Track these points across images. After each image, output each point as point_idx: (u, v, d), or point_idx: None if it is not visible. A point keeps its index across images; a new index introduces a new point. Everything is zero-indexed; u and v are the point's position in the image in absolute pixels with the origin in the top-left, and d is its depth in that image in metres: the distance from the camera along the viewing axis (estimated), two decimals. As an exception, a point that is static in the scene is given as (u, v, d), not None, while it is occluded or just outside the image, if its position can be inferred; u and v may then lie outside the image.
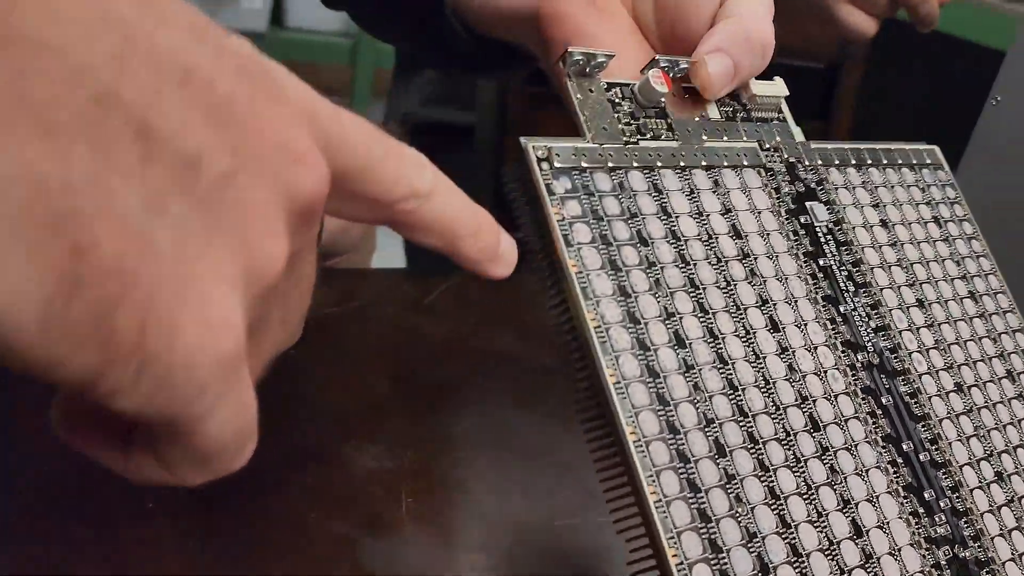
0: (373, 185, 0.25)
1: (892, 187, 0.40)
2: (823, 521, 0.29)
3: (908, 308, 0.37)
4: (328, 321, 0.51)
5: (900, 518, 0.31)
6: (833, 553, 0.29)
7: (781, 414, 0.30)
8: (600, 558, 0.39)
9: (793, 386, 0.31)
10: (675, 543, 0.26)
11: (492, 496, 0.41)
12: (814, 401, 0.31)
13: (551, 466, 0.43)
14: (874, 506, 0.31)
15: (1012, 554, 0.33)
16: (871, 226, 0.38)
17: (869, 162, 0.40)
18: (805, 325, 0.33)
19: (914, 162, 0.42)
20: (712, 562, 0.27)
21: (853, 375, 0.33)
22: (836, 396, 0.32)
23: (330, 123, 0.23)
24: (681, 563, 0.26)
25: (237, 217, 0.20)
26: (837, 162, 0.39)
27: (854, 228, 0.37)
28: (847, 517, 0.30)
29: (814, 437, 0.31)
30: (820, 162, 0.38)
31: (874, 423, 0.33)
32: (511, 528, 0.39)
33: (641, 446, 0.27)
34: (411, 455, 0.42)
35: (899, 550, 0.30)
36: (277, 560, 0.35)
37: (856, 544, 0.30)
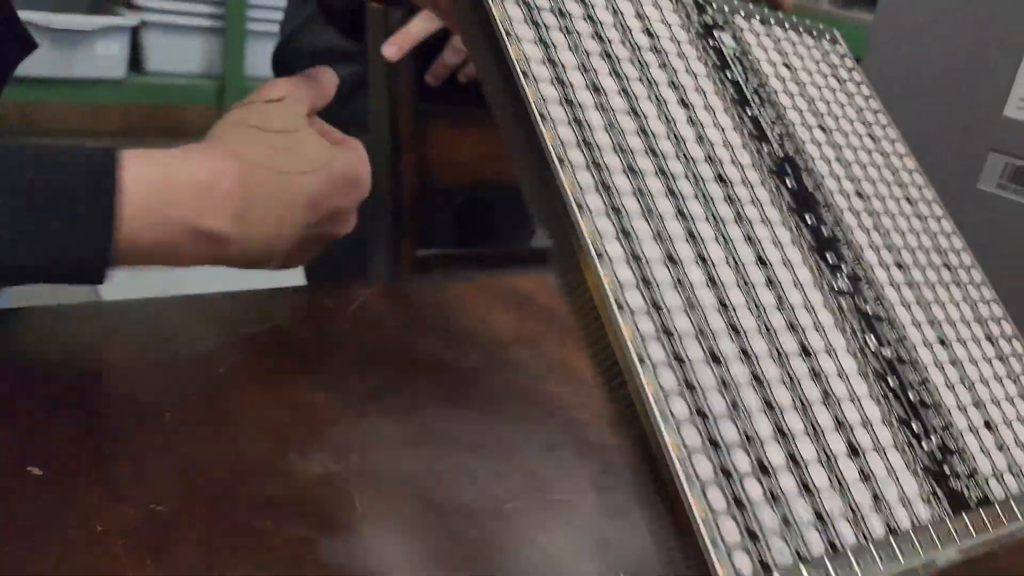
0: None
1: (794, 44, 0.38)
2: (787, 363, 0.27)
3: (831, 161, 0.34)
4: (252, 341, 0.50)
5: (849, 352, 0.29)
6: (795, 385, 0.27)
7: (743, 275, 0.28)
8: (554, 533, 0.38)
9: (741, 228, 0.28)
10: (662, 404, 0.23)
11: (441, 487, 0.40)
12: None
13: (492, 454, 0.43)
14: (824, 337, 0.28)
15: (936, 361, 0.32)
16: (776, 64, 0.36)
17: (772, 22, 0.38)
18: (744, 168, 0.30)
19: (814, 34, 0.40)
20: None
21: (799, 233, 0.31)
22: (783, 246, 0.29)
23: None
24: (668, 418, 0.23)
25: None
26: (742, 13, 0.36)
27: (760, 62, 0.35)
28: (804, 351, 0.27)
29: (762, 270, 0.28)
30: (727, 8, 0.35)
31: (824, 278, 0.30)
32: (465, 515, 0.38)
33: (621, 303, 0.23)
34: (355, 457, 0.41)
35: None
36: (238, 567, 0.33)
37: (804, 362, 0.27)
